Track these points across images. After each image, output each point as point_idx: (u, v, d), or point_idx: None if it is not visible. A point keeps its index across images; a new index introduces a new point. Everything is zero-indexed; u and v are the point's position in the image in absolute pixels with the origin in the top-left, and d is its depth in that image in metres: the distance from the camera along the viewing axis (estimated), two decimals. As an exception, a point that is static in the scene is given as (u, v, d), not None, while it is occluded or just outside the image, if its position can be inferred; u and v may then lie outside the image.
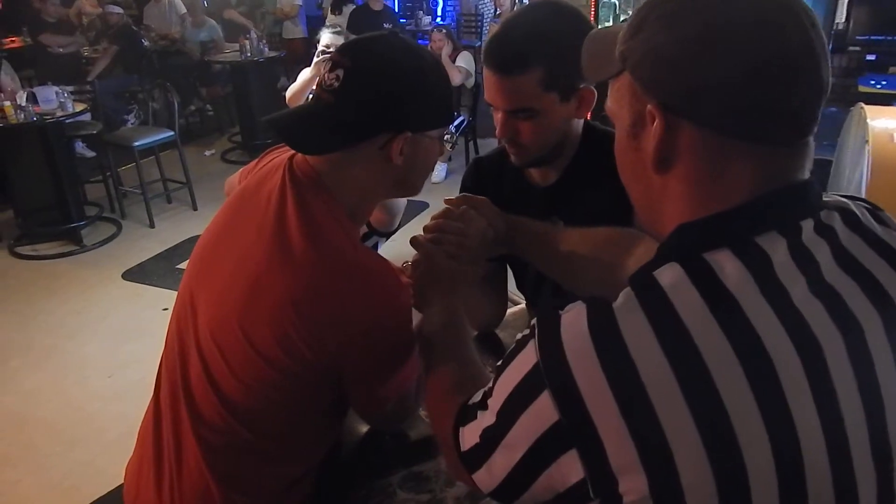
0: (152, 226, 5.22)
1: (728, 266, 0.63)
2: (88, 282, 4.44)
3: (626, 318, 0.62)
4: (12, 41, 7.26)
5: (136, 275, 4.50)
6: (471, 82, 6.10)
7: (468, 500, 1.12)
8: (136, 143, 5.14)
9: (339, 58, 1.03)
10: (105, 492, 2.61)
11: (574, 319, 0.64)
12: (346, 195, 1.06)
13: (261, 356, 1.01)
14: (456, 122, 5.96)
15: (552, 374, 0.63)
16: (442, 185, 5.90)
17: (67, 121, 4.89)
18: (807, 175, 0.68)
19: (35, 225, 4.98)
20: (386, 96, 1.01)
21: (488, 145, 5.68)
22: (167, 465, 1.10)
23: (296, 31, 8.07)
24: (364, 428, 1.27)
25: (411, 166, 1.07)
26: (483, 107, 6.42)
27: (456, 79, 5.79)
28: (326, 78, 1.03)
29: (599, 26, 5.73)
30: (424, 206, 5.44)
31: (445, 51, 5.87)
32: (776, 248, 0.64)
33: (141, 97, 6.69)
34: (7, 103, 4.44)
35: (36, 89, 4.68)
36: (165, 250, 4.74)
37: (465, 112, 6.10)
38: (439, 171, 6.04)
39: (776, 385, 0.59)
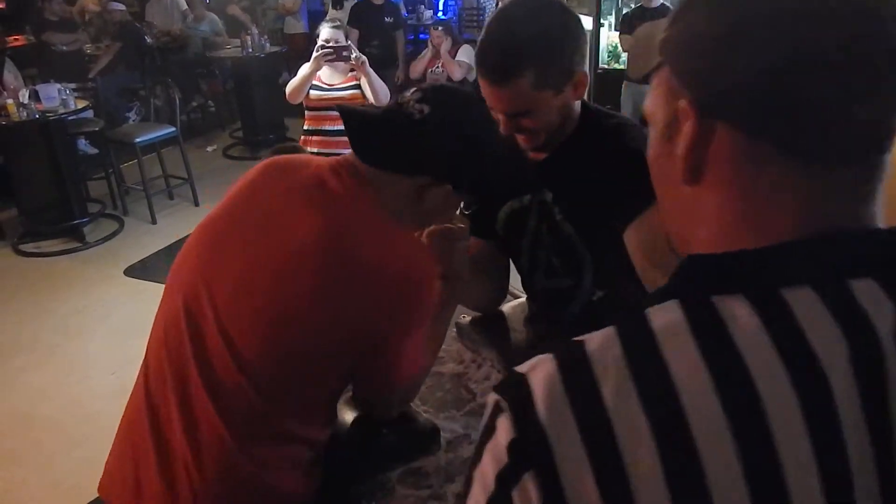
0: (154, 222, 5.22)
1: (741, 315, 0.50)
2: (91, 279, 4.45)
3: (606, 371, 0.51)
4: (16, 39, 7.25)
5: (138, 271, 4.50)
6: (473, 76, 6.08)
7: (468, 495, 1.11)
8: (138, 140, 5.14)
9: (428, 93, 1.10)
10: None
11: (543, 377, 0.53)
12: (388, 212, 1.10)
13: (290, 314, 1.02)
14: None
15: (533, 452, 0.51)
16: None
17: (70, 118, 4.89)
18: (873, 214, 0.53)
19: (38, 222, 4.98)
20: (453, 153, 1.09)
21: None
22: (177, 448, 1.07)
23: (297, 26, 8.05)
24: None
25: (430, 212, 1.15)
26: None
27: (455, 74, 5.80)
28: (412, 105, 1.08)
29: (601, 20, 5.71)
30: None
31: (444, 47, 5.86)
32: (806, 304, 0.50)
33: (143, 94, 6.69)
34: (10, 101, 4.45)
35: (38, 87, 4.69)
36: (167, 246, 4.74)
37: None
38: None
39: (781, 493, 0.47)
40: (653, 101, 0.62)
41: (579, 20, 1.30)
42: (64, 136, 4.93)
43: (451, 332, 1.56)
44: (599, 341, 0.53)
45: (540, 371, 0.53)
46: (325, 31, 3.69)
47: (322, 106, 3.74)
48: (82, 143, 6.06)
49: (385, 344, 1.08)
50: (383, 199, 1.09)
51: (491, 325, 1.53)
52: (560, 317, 1.51)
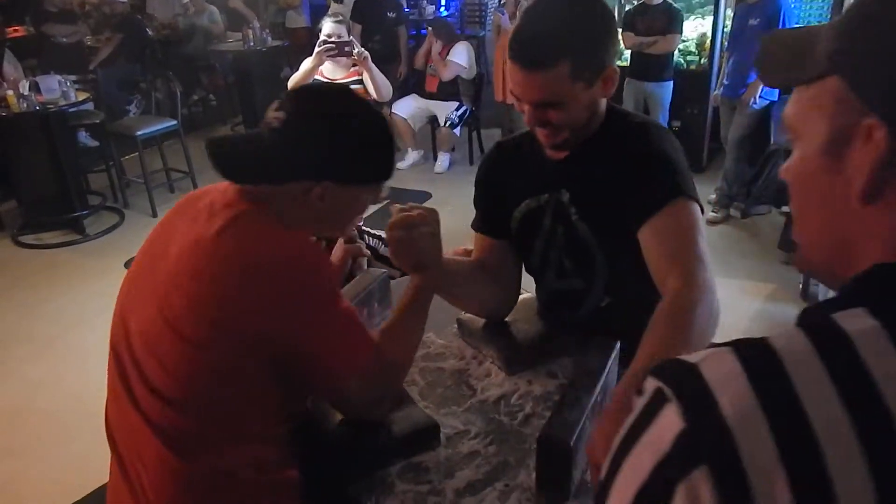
0: (155, 215, 5.21)
1: None
2: (91, 271, 4.44)
3: (799, 369, 0.50)
4: (15, 30, 7.23)
5: (138, 265, 4.49)
6: (471, 73, 6.07)
7: (468, 492, 1.11)
8: (139, 133, 5.13)
9: (286, 101, 1.14)
10: (102, 484, 2.60)
11: (724, 372, 0.51)
12: (273, 218, 1.13)
13: (191, 344, 1.05)
14: (459, 112, 5.94)
15: (711, 445, 0.49)
16: (446, 175, 5.89)
17: (70, 110, 4.88)
18: None
19: (38, 214, 4.97)
20: (315, 148, 1.11)
21: (492, 136, 5.65)
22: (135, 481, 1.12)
23: (299, 20, 8.02)
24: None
25: (333, 211, 1.18)
26: (486, 97, 6.39)
27: (444, 74, 5.88)
28: (271, 115, 1.12)
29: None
30: (428, 196, 5.44)
31: (435, 48, 5.91)
32: None
33: (143, 87, 6.67)
34: (10, 92, 4.43)
35: (39, 78, 4.67)
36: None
37: (468, 101, 6.07)
38: (442, 161, 6.04)
39: None
40: (805, 114, 0.60)
41: (613, 14, 1.31)
42: (64, 128, 4.92)
43: (453, 328, 1.56)
44: (786, 339, 0.52)
45: (716, 363, 0.52)
46: (327, 26, 3.68)
47: (324, 100, 3.73)
48: (83, 136, 6.04)
49: (296, 338, 1.07)
50: (276, 211, 1.12)
51: (493, 323, 1.52)
52: (567, 317, 1.49)
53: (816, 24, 0.61)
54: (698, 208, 1.26)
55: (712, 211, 4.81)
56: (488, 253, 1.52)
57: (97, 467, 2.65)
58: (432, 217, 1.24)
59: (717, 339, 3.90)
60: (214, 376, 1.07)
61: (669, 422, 0.51)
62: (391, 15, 6.41)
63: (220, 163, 1.12)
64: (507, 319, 1.53)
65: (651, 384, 0.54)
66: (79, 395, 3.21)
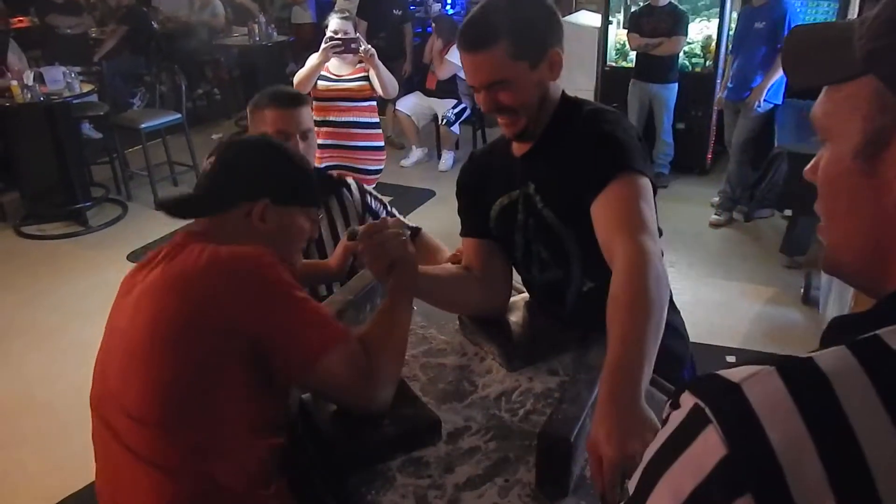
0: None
1: None
2: (93, 263, 4.45)
3: (846, 387, 0.49)
4: (20, 21, 7.24)
5: (141, 257, 4.44)
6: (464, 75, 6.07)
7: (468, 486, 1.11)
8: (144, 126, 5.14)
9: (218, 149, 1.33)
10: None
11: (769, 393, 0.50)
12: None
13: (164, 355, 1.11)
14: (457, 110, 5.94)
15: (756, 472, 0.48)
16: (449, 173, 5.89)
17: (74, 101, 4.88)
18: None
19: (41, 205, 4.98)
20: (247, 170, 1.29)
21: (496, 134, 5.65)
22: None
23: (305, 15, 8.02)
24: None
25: (278, 233, 1.29)
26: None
27: (442, 73, 5.93)
28: (205, 164, 1.30)
29: (609, 18, 5.69)
30: (432, 194, 5.44)
31: (435, 47, 5.94)
32: None
33: (148, 80, 6.67)
34: (14, 83, 4.44)
35: (43, 69, 4.68)
36: (171, 233, 4.69)
37: (467, 100, 6.07)
38: (446, 159, 6.04)
39: None
40: (838, 114, 0.59)
41: (554, 9, 1.39)
42: (68, 120, 4.92)
43: (454, 325, 1.56)
44: (833, 359, 0.51)
45: (760, 384, 0.50)
46: (333, 22, 3.67)
47: (329, 97, 3.73)
48: (86, 128, 6.05)
49: (262, 324, 1.12)
50: (225, 240, 1.21)
51: (493, 320, 1.52)
52: (558, 310, 1.51)
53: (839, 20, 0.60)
54: (646, 181, 1.29)
55: (715, 214, 4.81)
56: (476, 254, 1.56)
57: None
58: (395, 222, 1.34)
59: (716, 343, 3.89)
60: (194, 384, 1.11)
61: (711, 445, 0.50)
62: (397, 12, 6.41)
63: (168, 207, 1.27)
64: (507, 318, 1.53)
65: (688, 400, 0.53)
66: (78, 388, 3.18)
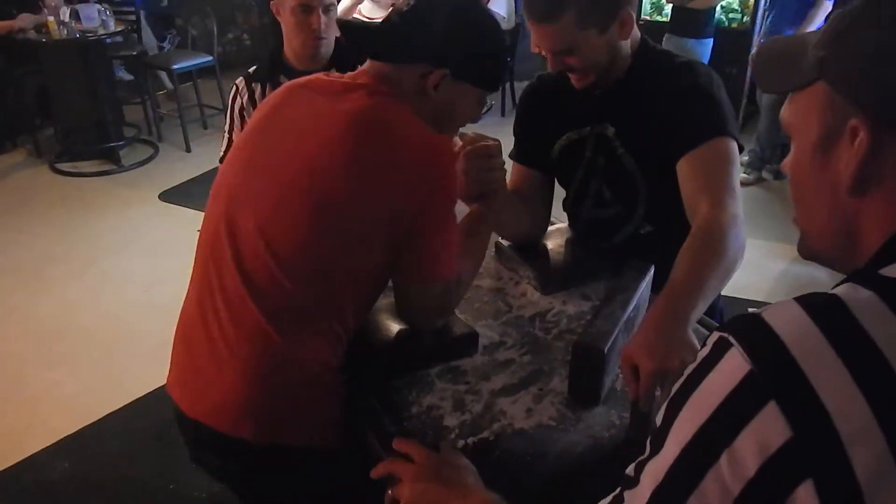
0: (189, 150, 5.28)
1: None
2: (126, 200, 4.54)
3: (863, 309, 0.54)
4: (53, -41, 7.23)
5: (172, 196, 4.58)
6: (509, 24, 6.00)
7: (503, 393, 1.17)
8: (176, 67, 5.16)
9: None
10: (138, 396, 2.74)
11: (790, 318, 0.55)
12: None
13: (324, 204, 1.10)
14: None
15: (778, 380, 0.52)
16: (477, 126, 5.83)
17: (108, 40, 4.91)
18: None
19: (75, 142, 5.05)
20: (439, 33, 1.16)
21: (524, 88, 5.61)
22: (222, 343, 1.16)
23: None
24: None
25: (445, 105, 1.20)
26: (522, 49, 6.32)
27: None
28: (401, 1, 1.17)
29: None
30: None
31: None
32: None
33: (179, 23, 6.67)
34: (51, 18, 4.46)
35: (79, 6, 4.69)
36: (201, 174, 4.79)
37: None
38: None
39: None
40: (798, 115, 0.66)
41: None
42: (103, 58, 4.96)
43: (491, 251, 1.60)
44: (846, 288, 0.56)
45: (779, 310, 0.56)
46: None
47: (361, 40, 3.73)
48: (118, 70, 6.08)
49: (414, 228, 1.11)
50: (402, 95, 1.16)
51: (530, 247, 1.55)
52: (602, 244, 1.54)
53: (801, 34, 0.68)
54: (737, 148, 1.30)
55: (744, 173, 4.78)
56: (524, 182, 1.58)
57: (131, 381, 2.78)
58: (499, 147, 1.31)
59: (742, 297, 3.88)
60: (336, 243, 1.11)
61: (735, 365, 0.54)
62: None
63: (351, 35, 1.22)
64: (543, 244, 1.56)
65: (713, 337, 0.58)
66: (114, 315, 3.33)
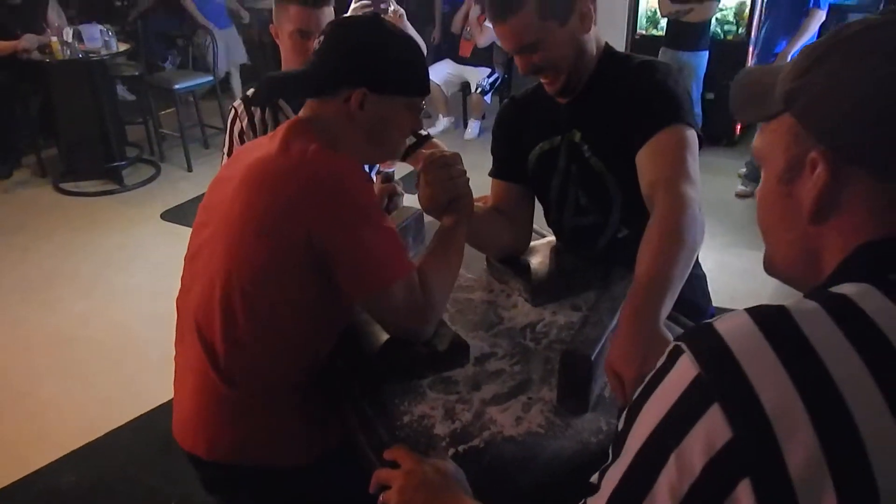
0: (190, 169, 5.34)
1: None
2: (129, 219, 4.59)
3: (806, 318, 0.56)
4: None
5: (174, 215, 4.62)
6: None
7: (493, 402, 1.19)
8: (177, 87, 5.23)
9: (325, 30, 1.28)
10: (146, 409, 2.77)
11: (737, 325, 0.58)
12: (326, 140, 1.22)
13: (245, 243, 1.18)
14: (491, 79, 5.96)
15: (722, 383, 0.55)
16: (475, 141, 5.92)
17: (109, 60, 4.98)
18: None
19: (78, 162, 5.10)
20: (351, 54, 1.24)
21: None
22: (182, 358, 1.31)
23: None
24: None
25: (376, 122, 1.26)
26: (519, 75, 6.39)
27: (480, 40, 5.92)
28: (315, 46, 1.27)
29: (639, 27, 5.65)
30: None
31: (473, 12, 5.92)
32: None
33: (180, 42, 6.75)
34: (54, 39, 4.54)
35: (81, 27, 4.76)
36: (203, 193, 4.81)
37: (500, 69, 6.08)
38: (473, 128, 6.07)
39: None
40: (767, 145, 0.69)
41: None
42: (105, 77, 5.03)
43: (482, 265, 1.63)
44: (794, 301, 0.59)
45: (729, 319, 0.59)
46: (365, -17, 3.71)
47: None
48: (120, 89, 6.15)
49: (337, 240, 1.15)
50: (328, 130, 1.24)
51: (520, 260, 1.58)
52: (586, 252, 1.57)
53: (781, 64, 0.71)
54: (693, 133, 1.33)
55: (741, 185, 4.81)
56: (504, 197, 1.62)
57: (137, 394, 2.81)
58: (458, 157, 1.35)
59: (741, 307, 3.96)
60: (273, 275, 1.18)
61: (684, 370, 0.57)
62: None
63: (277, 86, 1.34)
64: (532, 259, 1.59)
65: (669, 348, 0.61)
66: (121, 328, 3.36)
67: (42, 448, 2.60)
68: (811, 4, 4.31)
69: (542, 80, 1.45)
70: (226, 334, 1.20)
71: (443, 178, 1.31)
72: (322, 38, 1.26)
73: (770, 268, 0.75)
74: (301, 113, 1.30)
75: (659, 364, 0.61)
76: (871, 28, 0.63)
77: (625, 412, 0.63)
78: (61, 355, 3.19)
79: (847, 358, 0.54)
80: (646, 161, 1.31)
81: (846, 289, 0.59)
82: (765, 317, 0.58)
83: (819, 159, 0.62)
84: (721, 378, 0.55)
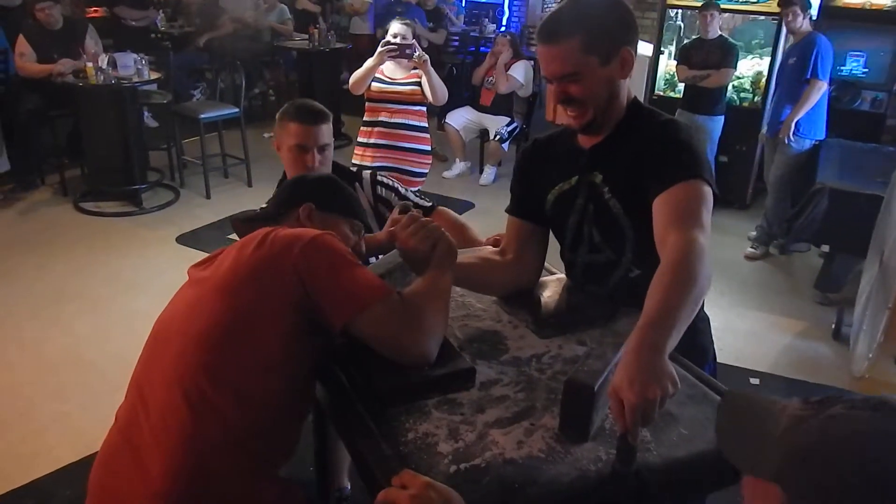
0: (208, 197, 5.43)
1: None
2: (145, 241, 4.66)
3: None
4: (95, 11, 7.61)
5: (189, 240, 4.69)
6: (526, 91, 6.23)
7: (496, 425, 1.21)
8: (203, 116, 5.37)
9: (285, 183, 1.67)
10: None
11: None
12: None
13: (227, 291, 1.32)
14: (510, 128, 6.08)
15: None
16: (490, 187, 6.00)
17: (141, 87, 5.14)
18: None
19: (100, 182, 5.22)
20: (296, 189, 1.63)
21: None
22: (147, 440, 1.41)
23: (363, 27, 8.28)
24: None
25: (330, 228, 1.45)
26: (538, 117, 6.53)
27: (502, 87, 6.06)
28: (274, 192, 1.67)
29: (661, 48, 5.79)
30: (471, 205, 5.56)
31: (503, 58, 6.07)
32: None
33: (209, 76, 6.94)
34: (89, 65, 4.70)
35: (116, 55, 4.93)
36: (219, 220, 4.92)
37: (519, 119, 6.22)
38: (488, 174, 6.16)
39: None
40: (753, 497, 0.70)
41: (629, 10, 1.49)
42: (134, 104, 5.17)
43: (493, 297, 1.67)
44: None
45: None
46: (394, 27, 3.84)
47: (382, 98, 3.90)
48: (145, 116, 6.31)
49: (318, 278, 1.28)
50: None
51: (529, 294, 1.62)
52: (597, 289, 1.60)
53: (775, 399, 0.74)
54: (710, 191, 1.39)
55: (751, 247, 4.85)
56: (517, 234, 1.69)
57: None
58: (421, 213, 1.51)
59: (745, 367, 3.87)
60: (249, 320, 1.29)
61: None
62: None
63: (240, 222, 1.61)
64: (541, 293, 1.63)
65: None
66: (123, 352, 3.36)
67: (40, 462, 2.61)
68: (809, 75, 4.41)
69: (569, 114, 1.51)
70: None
71: (415, 231, 1.43)
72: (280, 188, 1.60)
73: None
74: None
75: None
76: (860, 436, 0.64)
77: None
78: (65, 375, 3.21)
79: None
80: (662, 206, 1.37)
81: None
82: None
83: None
84: None
